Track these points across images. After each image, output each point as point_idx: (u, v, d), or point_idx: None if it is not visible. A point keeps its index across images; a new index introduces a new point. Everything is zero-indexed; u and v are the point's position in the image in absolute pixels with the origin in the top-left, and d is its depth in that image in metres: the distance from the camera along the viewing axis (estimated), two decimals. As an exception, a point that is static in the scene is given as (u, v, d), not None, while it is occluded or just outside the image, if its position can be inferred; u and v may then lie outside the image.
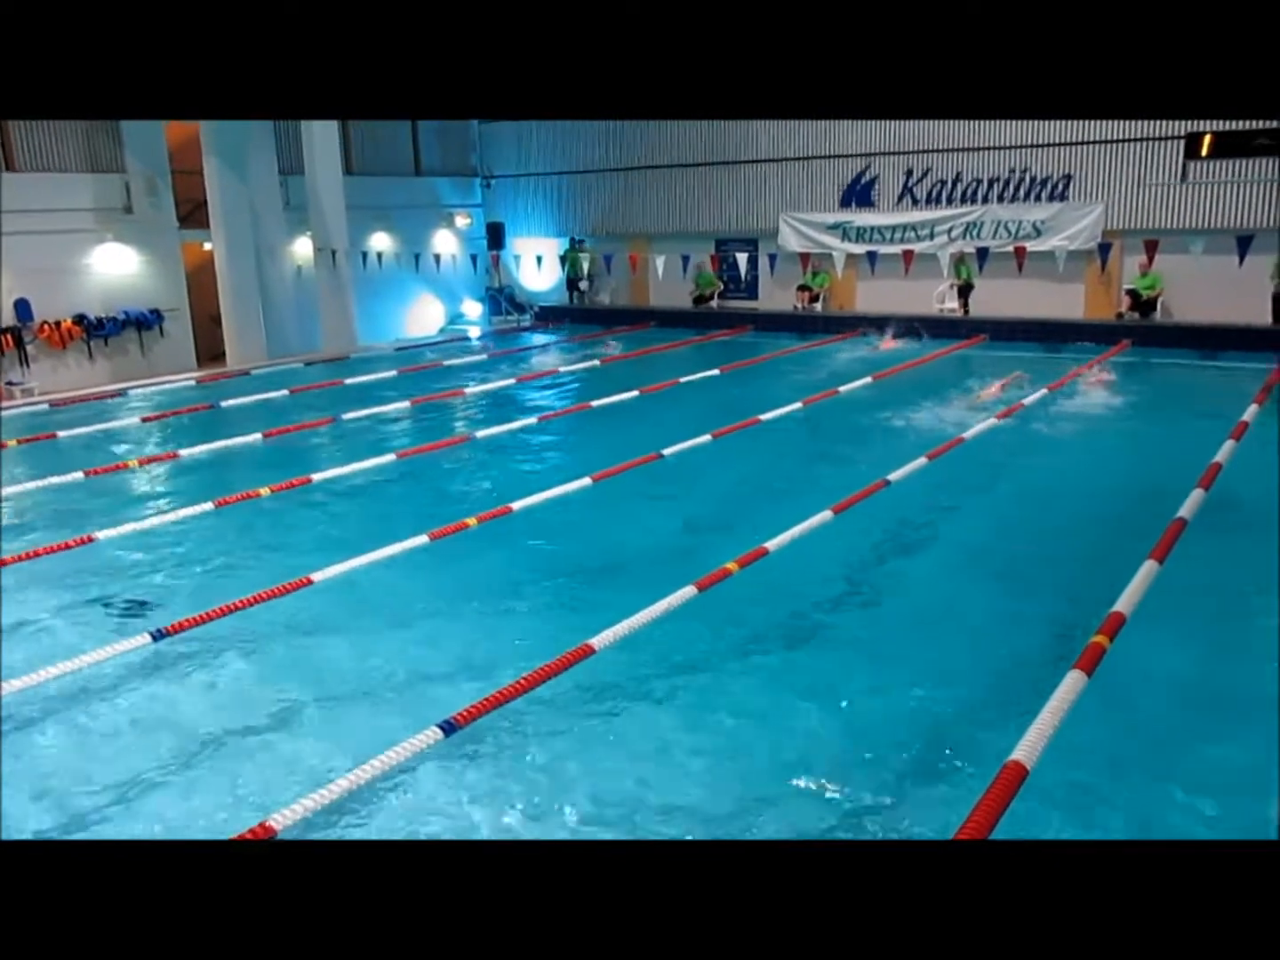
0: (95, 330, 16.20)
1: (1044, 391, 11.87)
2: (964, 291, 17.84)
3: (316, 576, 6.04)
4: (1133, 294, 16.47)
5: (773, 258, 18.07)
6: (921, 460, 8.52)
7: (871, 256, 17.08)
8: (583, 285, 21.75)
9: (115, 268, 16.55)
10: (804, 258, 18.12)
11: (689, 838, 4.03)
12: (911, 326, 17.17)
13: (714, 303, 20.67)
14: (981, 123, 17.49)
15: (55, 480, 8.61)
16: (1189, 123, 15.70)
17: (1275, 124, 14.89)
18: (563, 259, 21.45)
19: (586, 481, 8.16)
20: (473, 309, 22.30)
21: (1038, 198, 17.26)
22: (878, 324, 17.68)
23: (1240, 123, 15.27)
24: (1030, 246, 16.51)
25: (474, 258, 20.36)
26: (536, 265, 19.89)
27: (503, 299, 22.33)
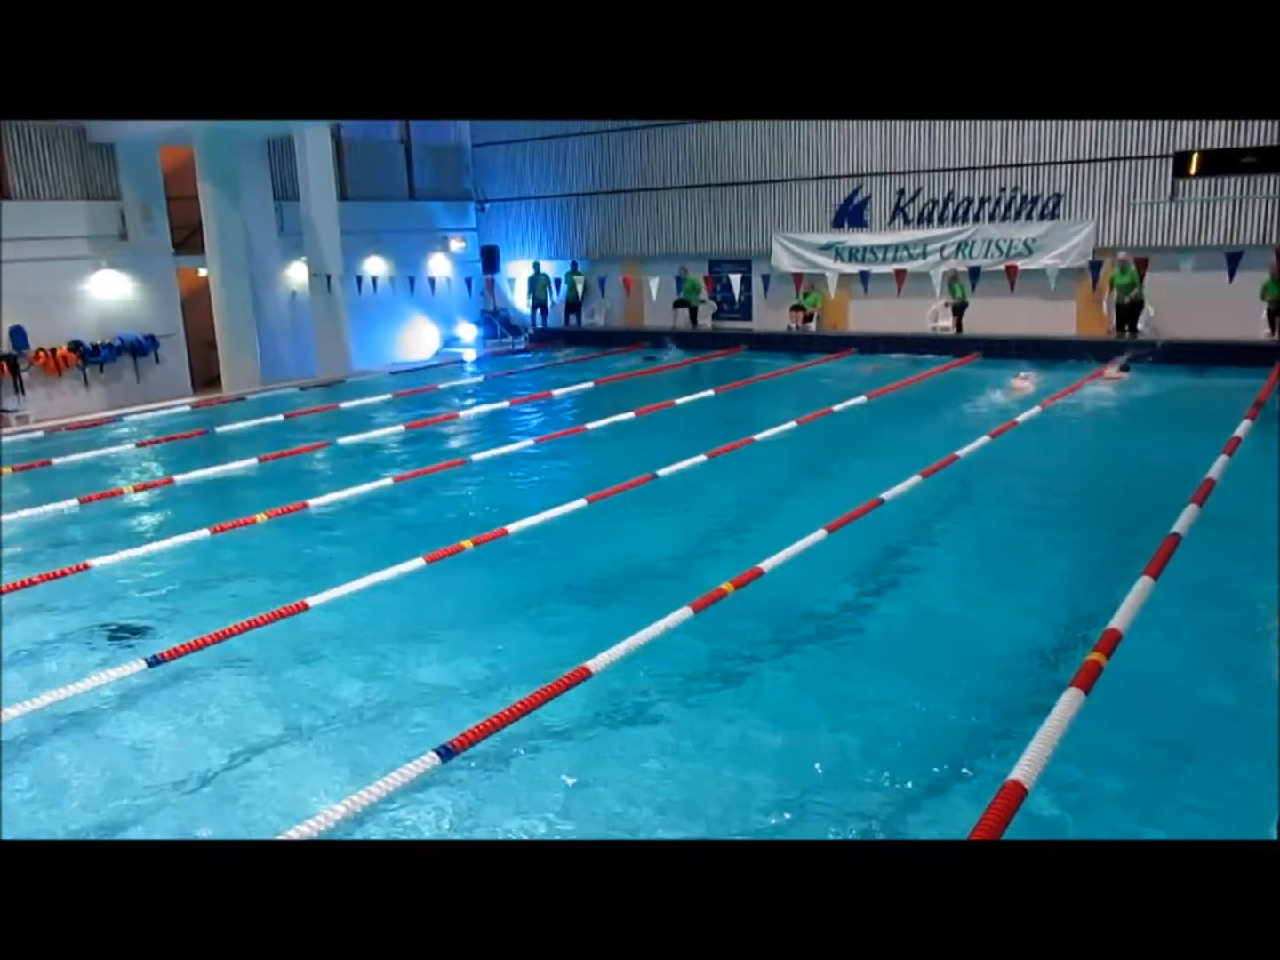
0: (91, 357, 16.24)
1: (1037, 409, 11.89)
2: (958, 310, 17.92)
3: (312, 601, 6.03)
4: (1119, 310, 16.55)
5: (766, 278, 18.15)
6: (915, 478, 8.54)
7: (864, 276, 17.16)
8: (550, 306, 21.90)
9: (111, 294, 16.60)
10: (797, 278, 18.21)
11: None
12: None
13: (708, 323, 20.74)
14: (972, 142, 17.64)
15: (50, 508, 8.60)
16: (1177, 141, 15.85)
17: (1262, 143, 15.03)
18: (531, 282, 21.55)
19: (582, 503, 8.17)
20: (467, 332, 22.37)
21: (1029, 216, 17.38)
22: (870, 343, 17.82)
23: (1228, 141, 15.41)
24: (1022, 265, 16.62)
25: (468, 281, 20.42)
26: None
27: (497, 322, 22.40)
